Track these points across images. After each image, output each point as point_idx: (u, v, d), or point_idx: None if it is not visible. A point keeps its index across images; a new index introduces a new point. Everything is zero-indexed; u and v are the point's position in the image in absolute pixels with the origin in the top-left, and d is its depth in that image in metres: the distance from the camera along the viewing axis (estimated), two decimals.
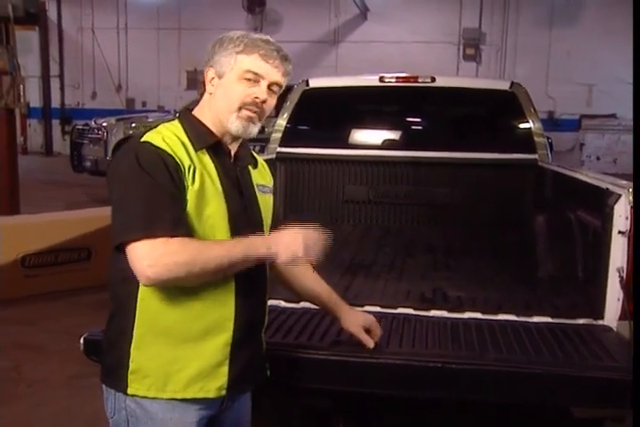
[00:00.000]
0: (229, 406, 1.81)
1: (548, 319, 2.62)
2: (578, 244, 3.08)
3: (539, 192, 4.29)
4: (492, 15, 15.70)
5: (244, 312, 1.73)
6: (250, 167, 1.85)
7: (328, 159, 4.64)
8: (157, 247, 1.55)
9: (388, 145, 4.74)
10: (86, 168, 10.51)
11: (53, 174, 13.06)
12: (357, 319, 2.10)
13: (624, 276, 2.43)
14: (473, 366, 2.13)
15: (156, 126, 1.74)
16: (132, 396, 1.68)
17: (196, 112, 1.78)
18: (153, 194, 1.59)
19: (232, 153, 1.79)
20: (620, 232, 2.46)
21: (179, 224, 1.59)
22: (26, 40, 13.83)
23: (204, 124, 1.75)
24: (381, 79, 4.65)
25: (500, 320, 2.60)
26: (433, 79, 4.55)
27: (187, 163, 1.65)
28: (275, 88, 1.75)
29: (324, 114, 4.85)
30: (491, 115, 4.90)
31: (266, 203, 1.86)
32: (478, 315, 2.66)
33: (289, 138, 4.61)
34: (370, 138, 4.84)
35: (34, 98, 16.40)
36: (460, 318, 2.62)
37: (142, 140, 1.66)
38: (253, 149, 1.93)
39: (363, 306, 2.49)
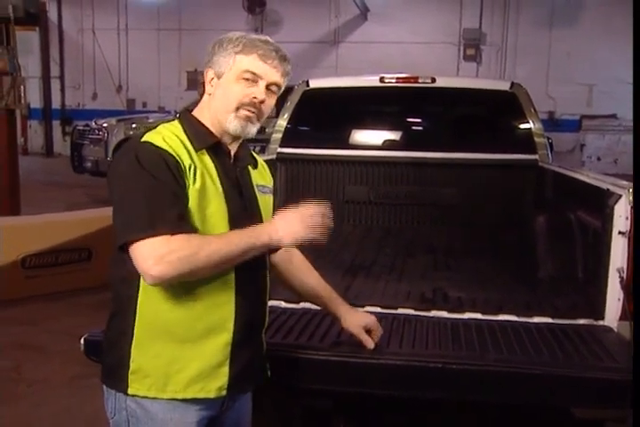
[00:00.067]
0: (230, 407, 1.81)
1: (549, 320, 2.62)
2: (578, 244, 3.08)
3: (539, 192, 4.29)
4: (493, 15, 15.70)
5: (245, 312, 1.73)
6: (250, 168, 1.85)
7: (328, 160, 4.64)
8: (161, 246, 1.55)
9: (388, 145, 4.74)
10: (87, 169, 10.51)
11: (54, 175, 13.07)
12: (358, 319, 2.10)
13: (624, 276, 2.43)
14: (473, 366, 2.13)
15: (155, 127, 1.74)
16: (133, 396, 1.68)
17: (196, 112, 1.79)
18: (154, 193, 1.59)
19: (232, 153, 1.79)
20: (620, 232, 2.47)
21: (181, 222, 1.59)
22: (26, 41, 13.86)
23: (203, 125, 1.75)
24: (382, 80, 4.65)
25: (501, 321, 2.61)
26: (433, 80, 4.55)
27: (187, 162, 1.66)
28: (273, 88, 1.75)
29: (324, 114, 4.85)
30: (491, 115, 4.90)
31: (266, 203, 1.86)
32: (479, 315, 2.66)
33: (289, 138, 4.61)
34: (370, 138, 4.84)
35: (34, 99, 16.40)
36: (460, 319, 2.62)
37: (142, 140, 1.67)
38: (253, 150, 1.94)
39: (363, 306, 2.49)
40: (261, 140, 4.43)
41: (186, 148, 1.68)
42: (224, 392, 1.73)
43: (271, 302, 1.96)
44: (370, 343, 2.09)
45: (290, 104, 4.67)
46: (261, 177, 1.90)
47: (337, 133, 4.80)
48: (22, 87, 7.34)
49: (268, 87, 1.74)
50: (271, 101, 1.76)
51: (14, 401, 3.59)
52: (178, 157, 1.65)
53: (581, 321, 2.59)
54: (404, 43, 15.57)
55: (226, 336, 1.71)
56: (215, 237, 1.63)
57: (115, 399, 1.72)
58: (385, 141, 4.79)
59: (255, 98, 1.71)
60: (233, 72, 1.72)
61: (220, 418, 1.81)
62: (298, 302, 2.59)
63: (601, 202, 2.62)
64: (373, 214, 4.64)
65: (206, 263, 1.58)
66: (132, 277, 1.65)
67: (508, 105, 4.58)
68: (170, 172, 1.62)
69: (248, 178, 1.83)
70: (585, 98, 15.44)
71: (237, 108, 1.72)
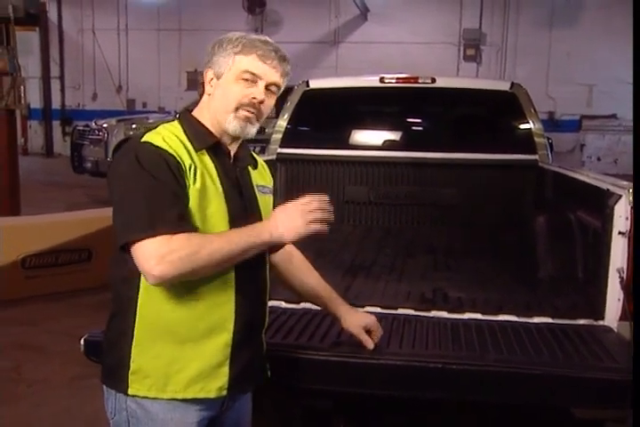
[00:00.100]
0: (230, 407, 1.81)
1: (549, 320, 2.62)
2: (578, 244, 3.08)
3: (539, 193, 4.29)
4: (493, 16, 15.70)
5: (245, 312, 1.73)
6: (250, 168, 1.85)
7: (328, 160, 4.64)
8: (162, 245, 1.55)
9: (388, 146, 4.74)
10: (87, 169, 10.51)
11: (54, 175, 13.06)
12: (358, 320, 2.10)
13: (624, 276, 2.43)
14: (473, 366, 2.13)
15: (155, 127, 1.74)
16: (133, 396, 1.68)
17: (196, 113, 1.79)
18: (155, 193, 1.59)
19: (232, 154, 1.79)
20: (620, 233, 2.47)
21: (182, 221, 1.59)
22: (26, 41, 13.85)
23: (203, 125, 1.75)
24: (382, 80, 4.65)
25: (501, 321, 2.61)
26: (433, 80, 4.55)
27: (188, 162, 1.66)
28: (273, 88, 1.76)
29: (324, 115, 4.85)
30: (491, 115, 4.90)
31: (266, 203, 1.86)
32: (479, 315, 2.66)
33: (289, 139, 4.61)
34: (370, 139, 4.85)
35: (34, 99, 16.41)
36: (460, 319, 2.62)
37: (142, 140, 1.67)
38: (254, 150, 1.94)
39: (363, 307, 2.49)
40: (261, 141, 4.43)
41: (186, 148, 1.68)
42: (224, 392, 1.73)
43: (271, 303, 1.96)
44: (370, 344, 2.09)
45: (290, 104, 4.67)
46: (261, 177, 1.90)
47: (337, 134, 4.80)
48: (22, 87, 7.34)
49: (267, 87, 1.74)
50: (270, 102, 1.76)
51: (14, 401, 3.59)
52: (178, 157, 1.65)
53: (581, 321, 2.59)
54: (404, 43, 15.57)
55: (226, 336, 1.71)
56: (216, 236, 1.63)
57: (115, 400, 1.72)
58: (385, 142, 4.79)
59: (254, 98, 1.71)
60: (232, 72, 1.72)
61: (220, 418, 1.81)
62: (298, 303, 2.59)
63: (601, 202, 2.62)
64: (373, 215, 4.64)
65: (208, 262, 1.58)
66: (132, 278, 1.66)
67: (508, 105, 4.59)
68: (170, 172, 1.62)
69: (248, 178, 1.83)
70: (585, 98, 15.44)
71: (237, 109, 1.72)
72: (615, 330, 2.49)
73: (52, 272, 5.50)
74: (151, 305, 1.67)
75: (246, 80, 1.72)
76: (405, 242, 4.20)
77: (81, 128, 10.99)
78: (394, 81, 4.65)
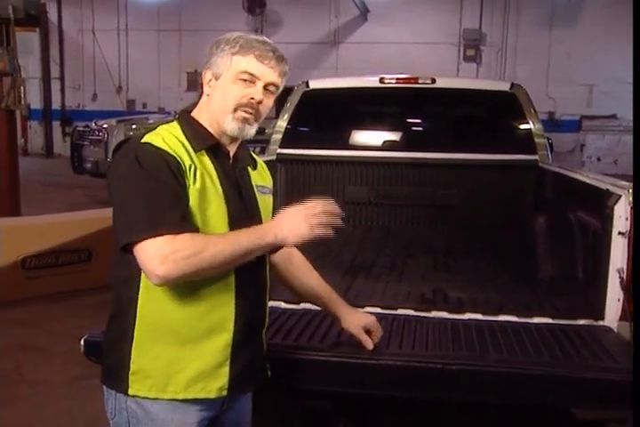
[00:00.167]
0: (230, 407, 1.81)
1: (549, 320, 2.62)
2: (578, 245, 3.09)
3: (539, 193, 4.29)
4: (493, 16, 15.70)
5: (245, 313, 1.74)
6: (249, 168, 1.86)
7: (328, 160, 4.64)
8: (165, 245, 1.55)
9: (388, 146, 4.74)
10: (87, 170, 10.51)
11: (54, 176, 13.06)
12: (358, 320, 2.10)
13: (624, 276, 2.43)
14: (473, 367, 2.14)
15: (155, 128, 1.74)
16: (133, 397, 1.68)
17: (195, 114, 1.79)
18: (156, 193, 1.59)
19: (231, 154, 1.79)
20: (619, 233, 2.47)
21: (184, 222, 1.59)
22: (26, 41, 13.84)
23: (202, 126, 1.76)
24: (382, 80, 4.65)
25: (501, 321, 2.61)
26: (433, 80, 4.56)
27: (187, 163, 1.66)
28: (271, 88, 1.76)
29: (324, 115, 4.85)
30: (491, 116, 4.90)
31: (265, 204, 1.86)
32: (479, 316, 2.66)
33: (289, 139, 4.61)
34: (370, 139, 4.85)
35: (34, 99, 16.42)
36: (460, 319, 2.62)
37: (142, 141, 1.67)
38: (254, 151, 1.94)
39: (363, 307, 2.49)
40: (261, 141, 4.44)
41: (185, 149, 1.68)
42: (224, 393, 1.73)
43: (271, 303, 1.96)
44: (369, 344, 2.09)
45: (290, 105, 4.67)
46: (261, 178, 1.90)
47: (337, 134, 4.80)
48: (22, 88, 7.33)
49: (265, 87, 1.74)
50: (269, 102, 1.77)
51: (15, 402, 3.59)
52: (179, 158, 1.65)
53: (581, 322, 2.59)
54: (404, 43, 15.58)
55: (226, 336, 1.71)
56: (220, 237, 1.63)
57: (115, 400, 1.72)
58: (385, 142, 4.79)
59: (253, 98, 1.71)
60: (230, 73, 1.72)
61: (220, 418, 1.81)
62: (298, 303, 2.59)
63: (601, 202, 2.62)
64: (373, 215, 4.64)
65: (210, 263, 1.58)
66: (132, 279, 1.66)
67: (507, 106, 4.59)
68: (171, 172, 1.62)
69: (247, 179, 1.83)
70: (585, 98, 15.44)
71: (235, 110, 1.72)
72: (615, 330, 2.50)
73: (53, 273, 5.50)
74: (151, 306, 1.67)
75: (244, 80, 1.72)
76: (405, 242, 4.21)
77: (81, 129, 11.00)
78: (394, 81, 4.65)
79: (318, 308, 2.17)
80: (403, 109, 4.99)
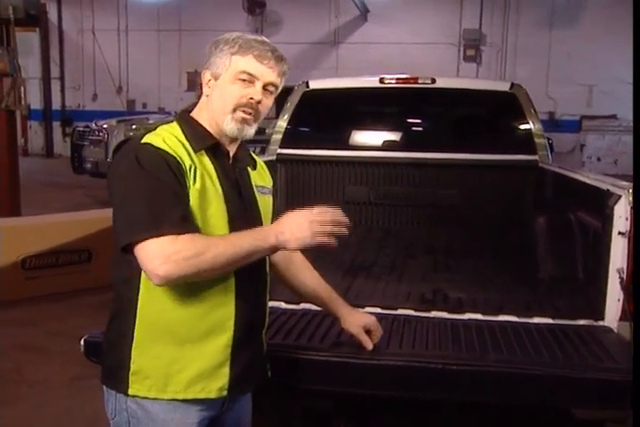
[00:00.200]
0: (230, 407, 1.81)
1: (549, 320, 2.62)
2: (578, 245, 3.09)
3: (539, 193, 4.29)
4: (493, 16, 15.69)
5: (245, 313, 1.74)
6: (249, 169, 1.86)
7: (328, 160, 4.64)
8: (167, 246, 1.55)
9: (388, 146, 4.74)
10: (87, 170, 10.51)
11: (54, 176, 13.06)
12: (358, 320, 2.10)
13: (624, 277, 2.43)
14: (473, 367, 2.14)
15: (154, 128, 1.74)
16: (133, 397, 1.68)
17: (194, 114, 1.79)
18: (157, 193, 1.59)
19: (231, 154, 1.79)
20: (620, 233, 2.47)
21: (185, 222, 1.59)
22: (26, 42, 13.84)
23: (201, 126, 1.76)
24: (382, 80, 4.65)
25: (501, 321, 2.61)
26: (433, 80, 4.55)
27: (188, 163, 1.66)
28: (270, 88, 1.76)
29: (324, 115, 4.85)
30: (491, 116, 4.91)
31: (265, 204, 1.86)
32: (479, 316, 2.66)
33: (289, 139, 4.61)
34: (370, 139, 4.85)
35: (34, 100, 16.40)
36: (460, 319, 2.62)
37: (143, 141, 1.67)
38: (254, 151, 1.94)
39: (363, 307, 2.49)
40: (261, 141, 4.44)
41: (185, 149, 1.69)
42: (225, 393, 1.73)
43: (271, 303, 1.96)
44: (369, 344, 2.09)
45: (290, 105, 4.67)
46: (261, 178, 1.90)
47: (337, 134, 4.80)
48: (22, 88, 7.33)
49: (264, 87, 1.74)
50: (268, 102, 1.77)
51: (15, 402, 3.59)
52: (179, 158, 1.65)
53: (581, 322, 2.59)
54: (403, 43, 15.57)
55: (226, 337, 1.71)
56: (221, 239, 1.63)
57: (115, 400, 1.72)
58: (385, 142, 4.79)
59: (252, 99, 1.71)
60: (229, 73, 1.72)
61: (220, 419, 1.81)
62: (298, 303, 2.59)
63: (601, 202, 2.62)
64: (373, 215, 4.64)
65: (212, 264, 1.58)
66: (132, 279, 1.66)
67: (507, 106, 4.59)
68: (171, 172, 1.62)
69: (247, 179, 1.83)
70: (585, 98, 15.43)
71: (234, 110, 1.72)
72: (615, 330, 2.50)
73: (53, 273, 5.50)
74: (151, 306, 1.67)
75: (243, 80, 1.72)
76: (405, 242, 4.21)
77: (81, 129, 11.00)
78: (394, 81, 4.65)
79: (318, 308, 2.17)
80: (403, 109, 4.99)
